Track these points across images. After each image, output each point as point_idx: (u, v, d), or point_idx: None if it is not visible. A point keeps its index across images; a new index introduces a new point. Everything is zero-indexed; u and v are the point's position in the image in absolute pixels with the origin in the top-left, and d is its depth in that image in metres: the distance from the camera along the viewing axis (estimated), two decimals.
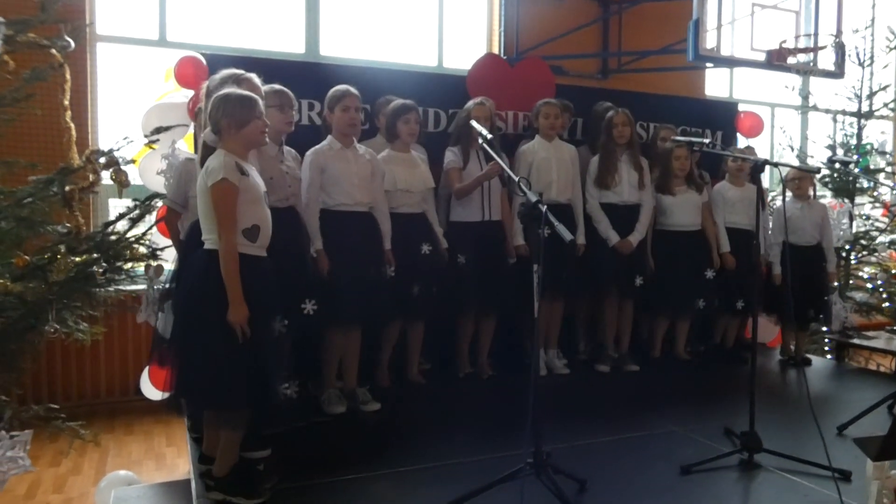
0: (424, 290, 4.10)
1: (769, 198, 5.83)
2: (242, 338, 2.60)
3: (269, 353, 2.74)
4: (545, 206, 2.61)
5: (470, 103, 4.37)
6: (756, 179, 5.15)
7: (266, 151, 3.36)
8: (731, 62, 5.90)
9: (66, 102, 3.63)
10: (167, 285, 3.75)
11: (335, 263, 3.69)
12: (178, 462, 4.45)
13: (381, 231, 3.92)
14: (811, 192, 5.27)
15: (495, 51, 6.77)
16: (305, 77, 3.97)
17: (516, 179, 2.82)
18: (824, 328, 5.91)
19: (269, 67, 3.86)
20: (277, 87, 3.43)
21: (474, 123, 3.46)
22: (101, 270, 3.27)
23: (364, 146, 3.99)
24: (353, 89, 3.80)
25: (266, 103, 3.31)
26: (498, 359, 4.72)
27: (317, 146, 3.83)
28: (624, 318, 4.97)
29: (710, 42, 5.53)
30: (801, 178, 5.07)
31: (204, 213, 2.69)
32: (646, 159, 4.90)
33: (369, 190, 3.86)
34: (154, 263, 3.69)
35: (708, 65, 6.55)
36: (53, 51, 3.50)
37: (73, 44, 3.56)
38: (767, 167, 3.61)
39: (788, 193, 5.15)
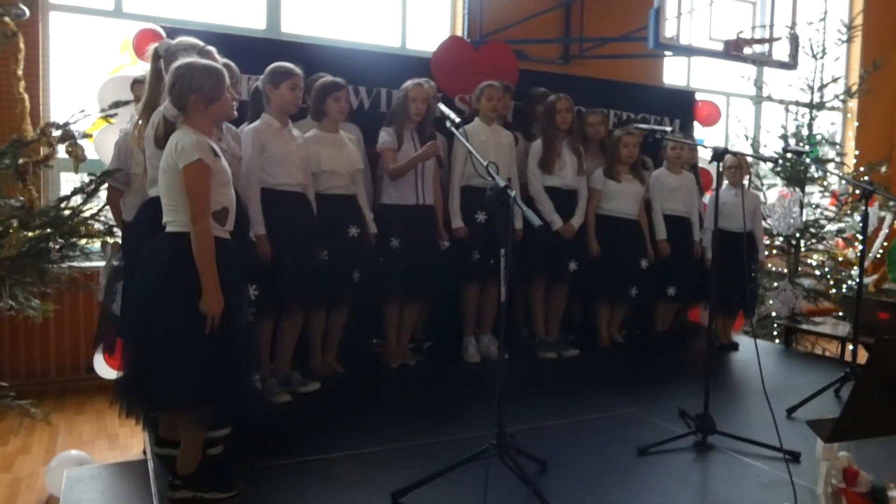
0: (349, 275, 3.97)
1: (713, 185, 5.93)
2: (211, 329, 2.45)
3: (242, 342, 2.60)
4: (514, 192, 2.62)
5: (408, 83, 4.26)
6: (695, 168, 5.28)
7: None
8: (690, 51, 5.99)
9: (20, 73, 3.50)
10: (117, 264, 3.66)
11: (276, 246, 3.60)
12: (132, 442, 4.37)
13: (314, 213, 3.84)
14: (746, 181, 5.36)
15: (458, 33, 6.74)
16: (269, 54, 3.88)
17: (485, 164, 2.81)
18: (773, 314, 6.07)
19: (232, 43, 3.80)
20: (224, 59, 3.19)
21: (442, 107, 3.43)
22: (57, 247, 3.17)
23: (295, 127, 3.90)
24: (298, 69, 3.69)
25: None
26: (435, 344, 4.75)
27: (254, 124, 3.68)
28: (556, 304, 4.95)
29: (669, 31, 5.60)
30: (737, 167, 5.11)
31: (170, 194, 2.51)
32: (581, 146, 4.91)
33: (306, 171, 3.79)
34: (111, 241, 3.61)
35: (667, 53, 6.62)
36: (6, 19, 3.36)
37: (27, 12, 3.44)
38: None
39: (724, 181, 5.25)
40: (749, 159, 5.29)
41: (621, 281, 4.99)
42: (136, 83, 3.69)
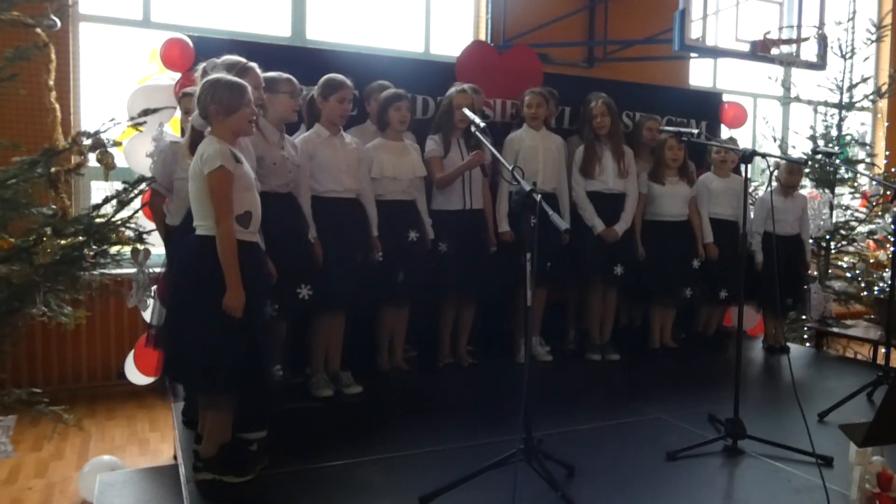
0: (409, 277, 4.12)
1: (752, 188, 5.88)
2: (235, 322, 2.61)
3: (262, 336, 2.74)
4: (539, 195, 2.62)
5: (452, 90, 4.34)
6: (741, 170, 5.21)
7: (269, 137, 3.41)
8: (716, 52, 5.95)
9: (51, 83, 3.56)
10: (159, 269, 3.76)
11: (325, 249, 3.72)
12: (162, 447, 4.42)
13: (368, 217, 3.94)
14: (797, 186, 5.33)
15: (482, 38, 6.75)
16: (293, 61, 3.95)
17: (510, 168, 2.82)
18: (803, 316, 5.99)
19: (258, 51, 3.84)
20: (286, 74, 3.47)
21: (467, 111, 3.46)
22: (91, 254, 3.22)
23: (349, 135, 4.01)
24: (348, 81, 3.82)
25: (277, 89, 3.40)
26: (481, 346, 4.75)
27: (305, 134, 3.84)
28: (607, 307, 4.99)
29: (695, 32, 5.57)
30: (794, 173, 5.11)
31: (196, 199, 2.68)
32: (630, 149, 4.90)
33: (356, 177, 3.89)
34: (142, 247, 3.66)
35: (693, 55, 6.58)
36: (38, 30, 3.43)
37: (59, 23, 3.50)
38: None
39: (775, 183, 5.22)
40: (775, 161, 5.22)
41: (675, 283, 4.97)
42: (186, 95, 3.78)
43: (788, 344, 5.48)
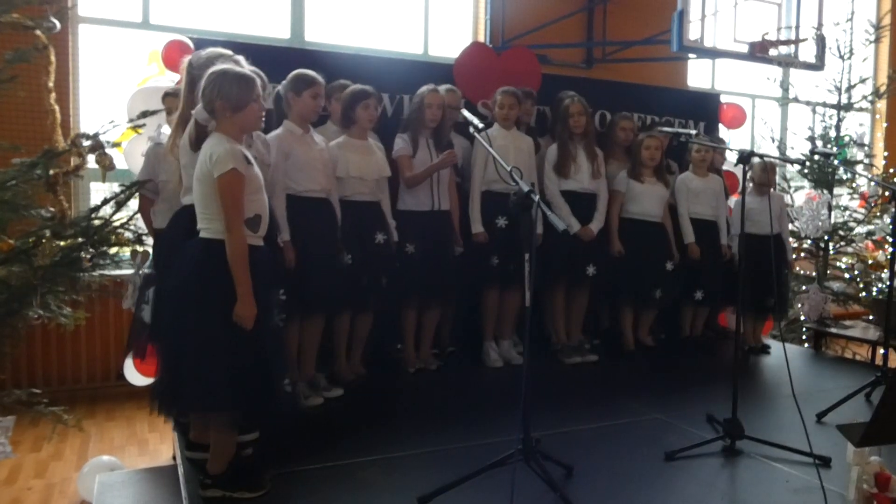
0: (375, 280, 4.03)
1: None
2: (245, 333, 2.48)
3: (273, 347, 2.63)
4: (538, 196, 2.62)
5: (424, 89, 4.27)
6: (720, 171, 5.24)
7: None
8: (715, 53, 5.94)
9: (51, 84, 3.57)
10: (147, 271, 3.75)
11: (302, 251, 3.62)
12: (161, 448, 4.43)
13: (338, 218, 3.87)
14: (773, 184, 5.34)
15: (481, 39, 6.76)
16: (293, 63, 3.93)
17: (508, 169, 2.81)
18: (802, 317, 6.00)
19: (257, 53, 3.83)
20: (252, 67, 3.33)
21: (465, 112, 3.44)
22: (88, 256, 3.22)
23: (317, 133, 3.93)
24: (319, 76, 3.72)
25: None
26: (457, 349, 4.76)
27: (276, 131, 3.70)
28: (577, 307, 4.94)
29: (693, 33, 5.56)
30: (768, 171, 5.10)
31: (204, 202, 2.53)
32: (600, 150, 4.86)
33: (329, 176, 3.81)
34: (140, 249, 3.67)
35: (691, 56, 6.58)
36: (38, 32, 3.43)
37: (58, 25, 3.51)
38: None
39: (749, 184, 5.22)
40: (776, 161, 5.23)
41: (645, 283, 4.95)
42: (168, 95, 3.76)
43: (788, 345, 5.48)
